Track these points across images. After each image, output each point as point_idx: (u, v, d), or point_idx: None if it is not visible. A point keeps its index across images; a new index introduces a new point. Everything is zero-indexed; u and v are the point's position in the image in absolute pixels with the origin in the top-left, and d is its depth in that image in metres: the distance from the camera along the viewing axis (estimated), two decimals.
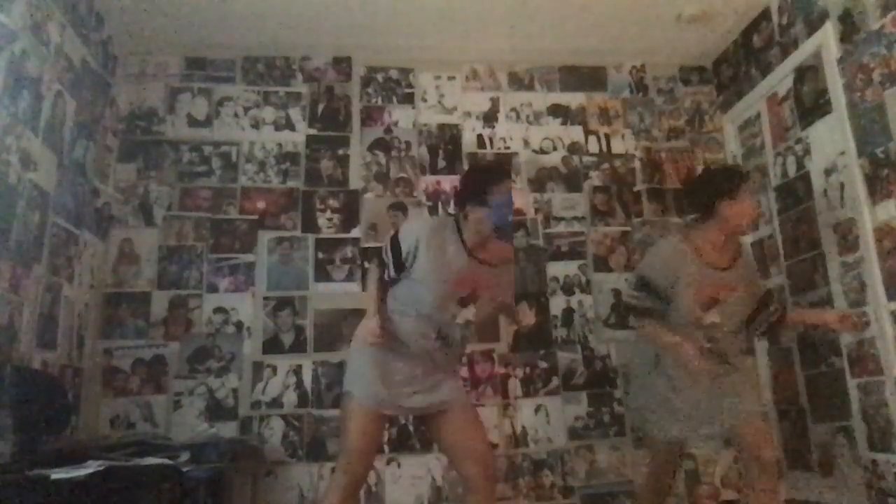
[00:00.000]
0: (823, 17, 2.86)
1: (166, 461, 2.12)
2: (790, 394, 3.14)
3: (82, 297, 2.89)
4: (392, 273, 2.21)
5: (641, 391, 2.61)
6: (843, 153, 2.76)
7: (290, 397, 3.10)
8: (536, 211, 3.51)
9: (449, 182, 3.49)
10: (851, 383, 2.72)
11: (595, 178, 3.61)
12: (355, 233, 3.37)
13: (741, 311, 2.48)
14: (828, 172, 2.89)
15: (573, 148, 3.65)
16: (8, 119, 2.27)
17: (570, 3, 3.25)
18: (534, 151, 3.61)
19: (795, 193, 3.12)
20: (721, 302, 2.40)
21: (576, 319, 3.37)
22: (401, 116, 3.58)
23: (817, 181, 2.97)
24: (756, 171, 3.45)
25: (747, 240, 3.13)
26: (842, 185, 2.80)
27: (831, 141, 2.85)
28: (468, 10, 3.26)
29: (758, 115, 3.42)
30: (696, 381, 2.36)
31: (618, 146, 3.68)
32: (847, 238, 2.75)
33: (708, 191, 2.45)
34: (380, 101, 3.59)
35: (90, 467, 1.89)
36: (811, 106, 3.01)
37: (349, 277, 3.29)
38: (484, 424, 2.38)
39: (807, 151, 3.04)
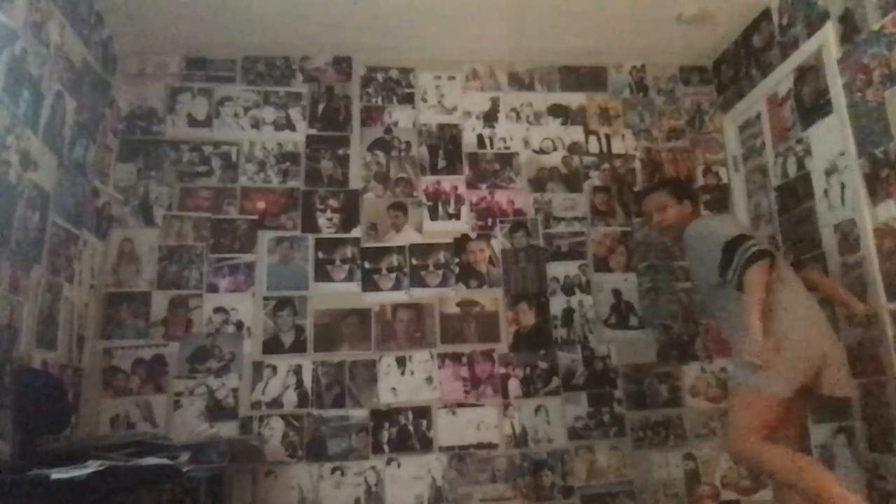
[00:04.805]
0: (824, 17, 2.86)
1: (166, 461, 2.12)
2: None
3: (82, 297, 2.89)
4: None
5: None
6: (843, 153, 2.76)
7: (290, 397, 3.10)
8: (536, 211, 3.51)
9: (449, 182, 3.50)
10: (852, 383, 2.71)
11: (595, 179, 3.61)
12: (355, 233, 3.37)
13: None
14: (828, 173, 2.89)
15: (573, 148, 3.65)
16: (8, 119, 2.27)
17: (570, 3, 3.24)
18: (534, 151, 3.61)
19: (796, 194, 3.12)
20: None
21: (576, 319, 3.37)
22: (401, 116, 3.58)
23: (818, 181, 2.97)
24: (756, 171, 3.46)
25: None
26: (842, 186, 2.80)
27: (832, 141, 2.85)
28: (468, 10, 3.25)
29: (758, 116, 3.42)
30: None
31: (618, 146, 3.68)
32: (847, 238, 2.76)
33: None
34: (380, 101, 3.59)
35: (90, 467, 1.89)
36: (811, 106, 3.01)
37: (349, 277, 3.29)
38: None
39: (807, 152, 3.05)
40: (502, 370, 3.26)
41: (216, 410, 3.03)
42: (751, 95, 3.45)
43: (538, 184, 3.56)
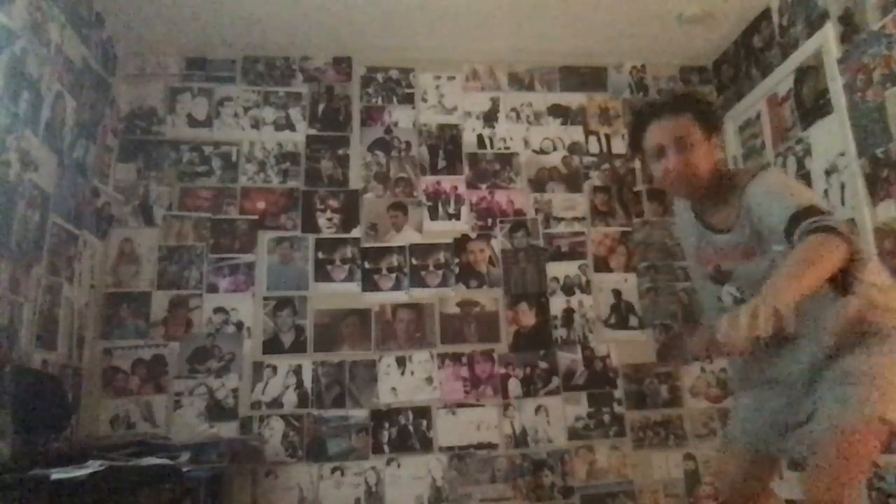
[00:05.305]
0: (824, 17, 2.87)
1: (166, 461, 2.12)
2: None
3: (82, 297, 2.89)
4: None
5: None
6: (843, 153, 2.77)
7: (290, 397, 3.10)
8: (537, 211, 3.51)
9: (449, 182, 3.50)
10: None
11: (595, 179, 3.61)
12: (355, 233, 3.37)
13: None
14: (828, 173, 2.90)
15: (573, 148, 3.65)
16: (8, 119, 2.27)
17: (570, 3, 3.25)
18: (534, 151, 3.61)
19: None
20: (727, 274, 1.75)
21: (576, 319, 3.37)
22: (401, 116, 3.58)
23: (818, 181, 2.97)
24: None
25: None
26: (842, 186, 2.80)
27: (832, 141, 2.85)
28: (468, 10, 3.26)
29: (758, 116, 3.43)
30: None
31: (618, 146, 3.68)
32: None
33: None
34: (380, 101, 3.59)
35: (90, 467, 1.90)
36: (811, 106, 3.01)
37: (349, 277, 3.29)
38: None
39: (807, 152, 3.05)
40: (502, 370, 3.26)
41: (216, 410, 3.03)
42: (751, 95, 3.45)
43: (538, 184, 3.56)
